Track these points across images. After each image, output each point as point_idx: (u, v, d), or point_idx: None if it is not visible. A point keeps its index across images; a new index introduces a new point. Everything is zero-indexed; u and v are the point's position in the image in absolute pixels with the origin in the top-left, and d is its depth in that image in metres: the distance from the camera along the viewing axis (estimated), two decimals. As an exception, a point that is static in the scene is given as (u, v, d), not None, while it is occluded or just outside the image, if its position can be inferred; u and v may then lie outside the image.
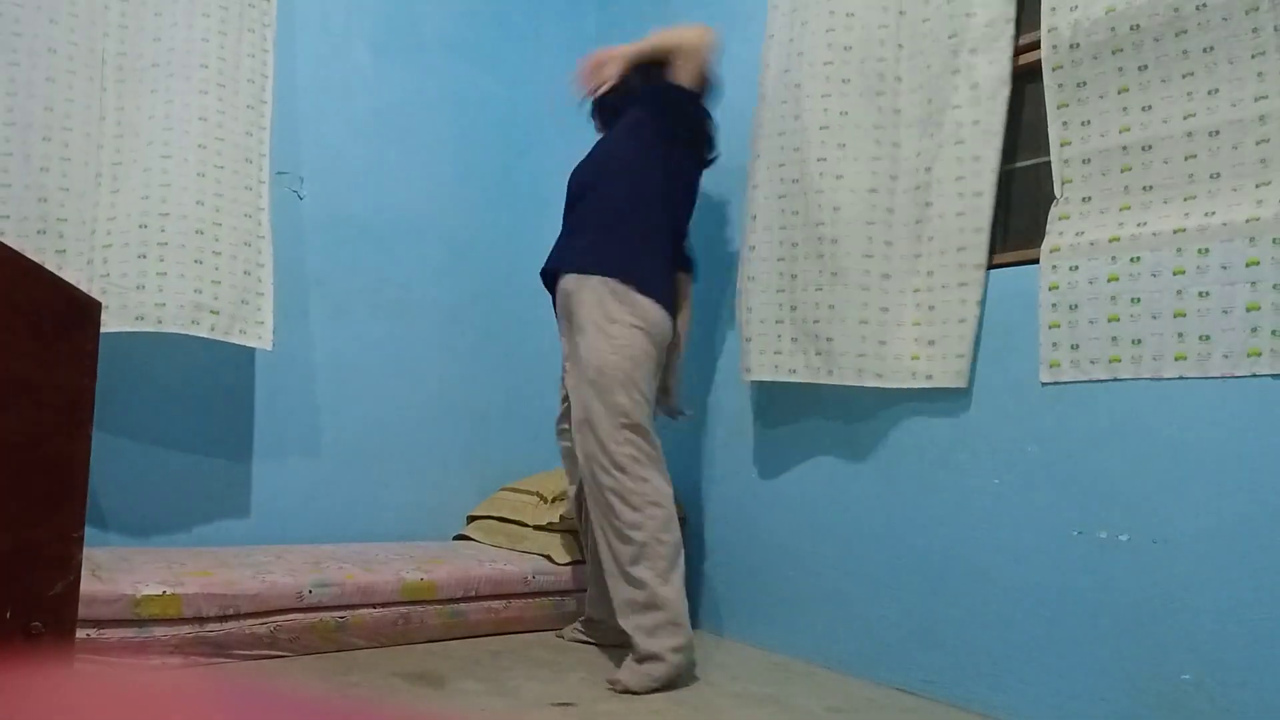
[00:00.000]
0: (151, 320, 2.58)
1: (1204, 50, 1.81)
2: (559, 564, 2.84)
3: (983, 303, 2.21)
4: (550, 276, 2.55)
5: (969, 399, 2.23)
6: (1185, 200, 1.85)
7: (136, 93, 2.68)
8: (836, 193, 2.44)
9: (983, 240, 2.21)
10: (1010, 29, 2.19)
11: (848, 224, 2.43)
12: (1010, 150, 2.35)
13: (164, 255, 2.61)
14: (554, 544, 2.90)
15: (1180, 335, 1.83)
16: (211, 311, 2.64)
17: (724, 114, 2.69)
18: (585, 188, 2.54)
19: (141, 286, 2.58)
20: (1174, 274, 1.84)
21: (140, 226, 2.61)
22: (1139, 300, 1.89)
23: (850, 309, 2.41)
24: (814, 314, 2.48)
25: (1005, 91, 2.19)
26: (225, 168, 2.71)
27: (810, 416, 2.63)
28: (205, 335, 2.64)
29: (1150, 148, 1.91)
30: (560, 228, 2.62)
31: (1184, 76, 1.85)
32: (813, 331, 2.48)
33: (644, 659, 2.20)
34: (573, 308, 2.41)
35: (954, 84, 2.26)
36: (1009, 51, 2.19)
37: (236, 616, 2.26)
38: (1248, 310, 1.73)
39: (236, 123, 2.75)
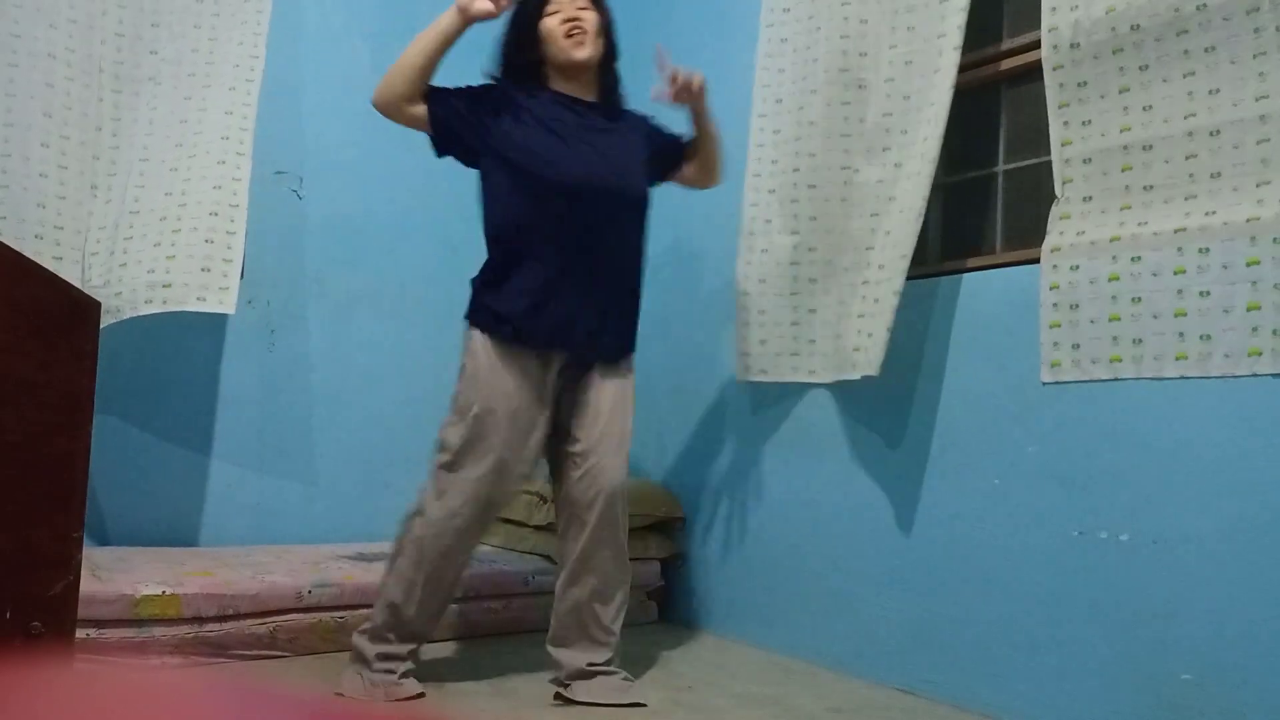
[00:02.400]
0: (113, 311, 2.51)
1: (1205, 50, 1.81)
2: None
3: (900, 292, 2.21)
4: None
5: (970, 399, 2.23)
6: (1186, 200, 1.85)
7: (133, 105, 2.68)
8: (812, 201, 2.50)
9: (912, 230, 2.20)
10: (963, 17, 2.18)
11: (816, 218, 2.48)
12: (1007, 150, 2.35)
13: (128, 249, 2.58)
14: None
15: (1181, 335, 1.83)
16: (164, 286, 2.54)
17: (737, 116, 2.68)
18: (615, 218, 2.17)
19: (107, 283, 2.56)
20: (1175, 273, 1.84)
21: (115, 227, 2.60)
22: (1140, 300, 1.89)
23: (827, 306, 2.47)
24: (793, 316, 2.55)
25: (951, 83, 2.19)
26: (197, 155, 2.66)
27: (810, 416, 2.63)
28: (158, 310, 2.54)
29: (1151, 147, 1.90)
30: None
31: (1185, 76, 1.85)
32: (791, 333, 2.55)
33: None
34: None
35: (933, 82, 2.27)
36: (958, 43, 2.18)
37: (236, 617, 2.25)
38: (1248, 310, 1.73)
39: (217, 108, 2.71)
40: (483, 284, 2.16)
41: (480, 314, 2.13)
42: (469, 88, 2.19)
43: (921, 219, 2.20)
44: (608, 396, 2.17)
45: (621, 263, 2.18)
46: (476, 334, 2.12)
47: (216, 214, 2.63)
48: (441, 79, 2.20)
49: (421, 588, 2.08)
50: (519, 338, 2.08)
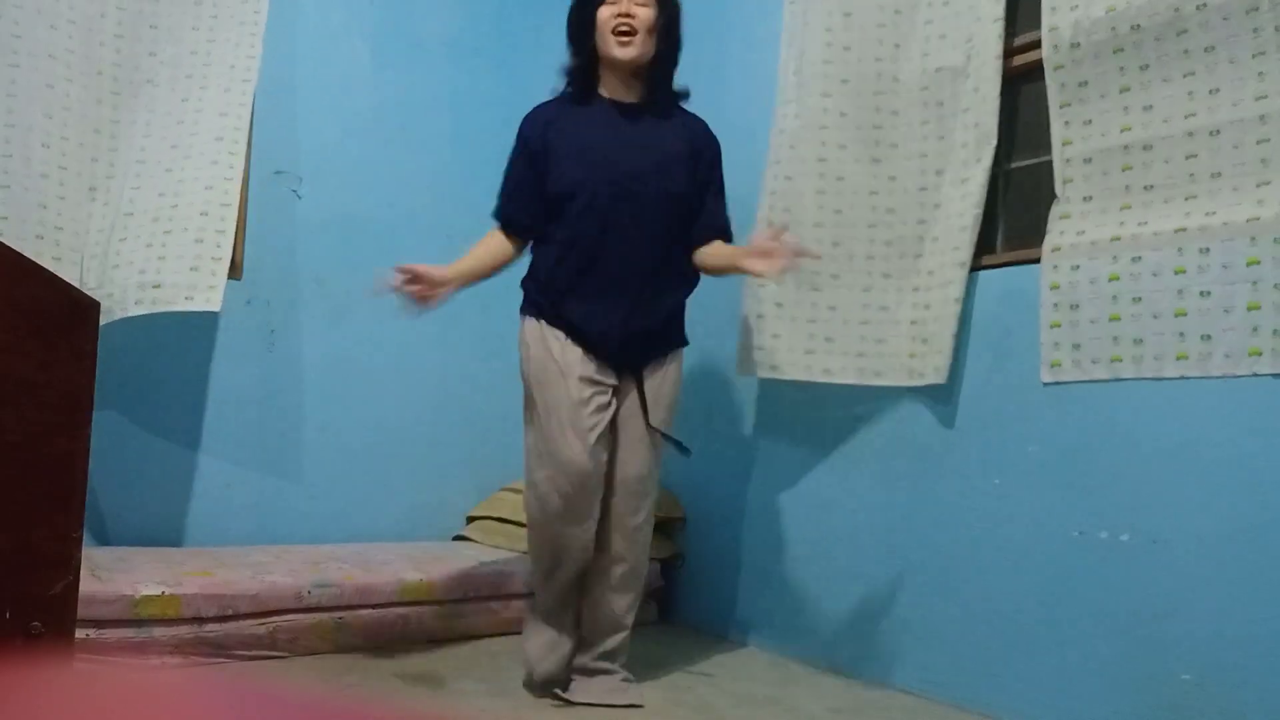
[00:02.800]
0: (105, 313, 2.52)
1: (1205, 50, 1.81)
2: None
3: (963, 300, 2.21)
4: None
5: (970, 399, 2.23)
6: (1186, 200, 1.85)
7: (132, 108, 2.68)
8: (840, 195, 2.46)
9: (968, 239, 2.20)
10: (999, 28, 2.19)
11: (851, 226, 2.44)
12: (1008, 150, 2.35)
13: (120, 250, 2.57)
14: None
15: (1181, 335, 1.83)
16: (154, 286, 2.53)
17: (737, 117, 2.68)
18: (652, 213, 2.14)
19: (100, 284, 2.56)
20: (1175, 273, 1.84)
21: (111, 229, 2.60)
22: (1140, 300, 1.89)
23: (852, 309, 2.43)
24: (813, 314, 2.49)
25: (997, 92, 2.19)
26: (193, 157, 2.66)
27: (810, 416, 2.62)
28: (147, 311, 2.53)
29: (1151, 147, 1.90)
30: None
31: (1185, 76, 1.85)
32: (815, 332, 2.49)
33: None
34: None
35: (963, 87, 2.27)
36: (999, 51, 2.19)
37: (235, 617, 2.25)
38: (1248, 310, 1.73)
39: (213, 110, 2.71)
40: (529, 281, 2.23)
41: (529, 305, 2.20)
42: (521, 171, 2.20)
43: (978, 225, 2.19)
44: (640, 394, 2.17)
45: (648, 262, 2.14)
46: (529, 321, 2.17)
47: (207, 214, 2.61)
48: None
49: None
50: (568, 333, 2.12)
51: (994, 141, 2.19)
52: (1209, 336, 1.78)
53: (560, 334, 2.11)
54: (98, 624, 2.06)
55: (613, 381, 2.14)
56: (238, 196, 2.67)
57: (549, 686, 2.11)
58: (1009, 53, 2.31)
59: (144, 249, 2.57)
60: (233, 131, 2.70)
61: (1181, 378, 1.83)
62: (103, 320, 2.48)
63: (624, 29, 2.08)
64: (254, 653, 2.28)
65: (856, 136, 2.45)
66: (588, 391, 2.08)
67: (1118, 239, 1.93)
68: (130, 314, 2.53)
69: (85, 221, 2.60)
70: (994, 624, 2.12)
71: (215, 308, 2.59)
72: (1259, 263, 1.72)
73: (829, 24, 2.51)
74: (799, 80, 2.56)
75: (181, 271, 2.56)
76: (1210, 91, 1.81)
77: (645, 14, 2.10)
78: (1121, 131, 1.95)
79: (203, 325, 2.88)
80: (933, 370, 2.25)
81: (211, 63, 2.75)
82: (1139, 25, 1.89)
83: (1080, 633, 1.95)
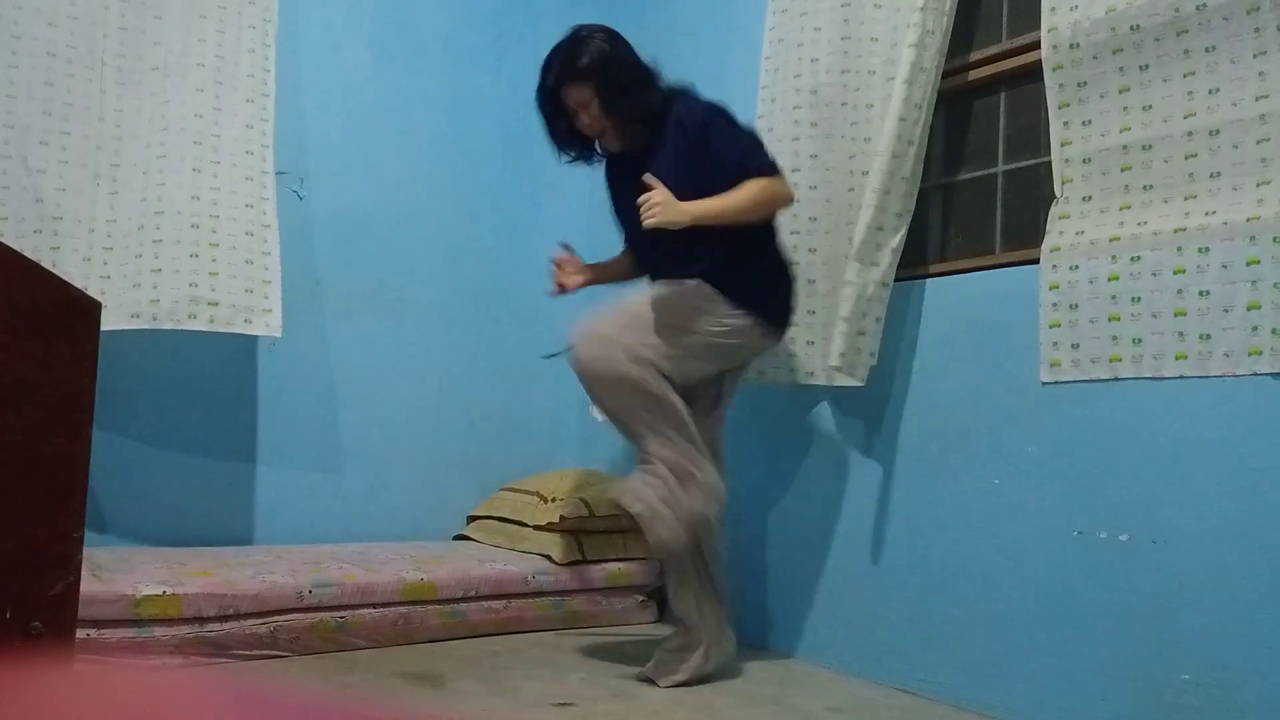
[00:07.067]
0: (147, 317, 2.57)
1: (1205, 50, 1.81)
2: (559, 564, 2.84)
3: (860, 298, 2.29)
4: None
5: (970, 399, 2.23)
6: (1186, 199, 1.85)
7: (136, 95, 2.69)
8: (813, 203, 2.51)
9: (864, 236, 2.27)
10: (913, 54, 2.23)
11: (825, 233, 2.50)
12: (1006, 152, 2.35)
13: (159, 253, 2.60)
14: (554, 544, 2.90)
15: (1181, 334, 1.83)
16: (210, 304, 2.62)
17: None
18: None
19: (138, 285, 2.58)
20: (1174, 273, 1.84)
21: (139, 228, 2.62)
22: (1139, 299, 1.89)
23: (828, 309, 2.50)
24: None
25: (901, 94, 2.24)
26: (222, 162, 2.70)
27: (809, 416, 2.63)
28: (205, 328, 2.61)
29: (1151, 147, 1.90)
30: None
31: (1185, 76, 1.85)
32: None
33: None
34: None
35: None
36: (907, 75, 2.24)
37: (236, 616, 2.26)
38: (1248, 309, 1.73)
39: (235, 117, 2.74)
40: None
41: None
42: None
43: (877, 225, 2.27)
44: None
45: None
46: None
47: (252, 234, 2.70)
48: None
49: None
50: None
51: (889, 143, 2.24)
52: (1208, 336, 1.79)
53: None
54: (98, 624, 2.07)
55: None
56: (276, 217, 2.75)
57: None
58: (1008, 53, 2.31)
59: (188, 258, 2.63)
60: (260, 149, 2.77)
61: (1181, 377, 1.83)
62: (145, 325, 2.58)
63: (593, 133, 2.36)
64: (255, 652, 2.28)
65: (826, 145, 2.47)
66: None
67: (1117, 239, 1.93)
68: (184, 327, 2.61)
69: (90, 209, 2.60)
70: (994, 624, 2.12)
71: (276, 333, 2.72)
72: (1259, 262, 1.72)
73: (801, 39, 2.55)
74: (771, 94, 2.63)
75: (236, 292, 2.66)
76: (1210, 91, 1.81)
77: (590, 112, 2.32)
78: (1121, 131, 1.95)
79: (203, 325, 2.88)
80: (854, 371, 2.32)
81: (224, 55, 2.76)
82: (1139, 25, 1.89)
83: (1080, 633, 1.95)
